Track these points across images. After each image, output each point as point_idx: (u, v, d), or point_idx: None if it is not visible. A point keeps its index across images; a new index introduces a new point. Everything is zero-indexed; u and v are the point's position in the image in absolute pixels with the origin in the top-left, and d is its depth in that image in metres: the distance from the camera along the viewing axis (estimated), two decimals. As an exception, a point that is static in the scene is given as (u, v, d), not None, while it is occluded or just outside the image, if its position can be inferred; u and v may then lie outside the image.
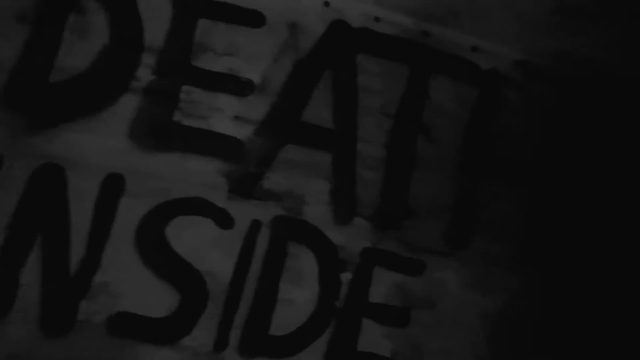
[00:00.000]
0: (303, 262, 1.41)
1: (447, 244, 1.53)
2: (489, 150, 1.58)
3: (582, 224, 1.74)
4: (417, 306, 1.51)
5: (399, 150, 1.48)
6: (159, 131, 1.31)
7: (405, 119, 1.50)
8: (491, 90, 1.58)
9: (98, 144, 1.27)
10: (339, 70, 1.45)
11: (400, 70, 1.50)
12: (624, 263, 1.78)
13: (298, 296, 1.40)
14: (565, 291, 1.73)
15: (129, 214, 1.28)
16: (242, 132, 1.37)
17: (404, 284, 1.50)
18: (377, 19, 1.47)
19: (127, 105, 1.29)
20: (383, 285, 1.46)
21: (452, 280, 1.56)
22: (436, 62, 1.54)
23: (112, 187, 1.24)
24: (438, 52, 1.47)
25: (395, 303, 1.48)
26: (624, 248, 1.79)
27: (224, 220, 1.33)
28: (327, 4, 1.43)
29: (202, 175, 1.34)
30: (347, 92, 1.45)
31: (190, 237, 1.32)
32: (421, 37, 1.52)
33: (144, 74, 1.30)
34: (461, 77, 1.49)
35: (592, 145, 1.73)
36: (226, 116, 1.37)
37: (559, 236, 1.70)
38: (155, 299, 1.29)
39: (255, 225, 1.36)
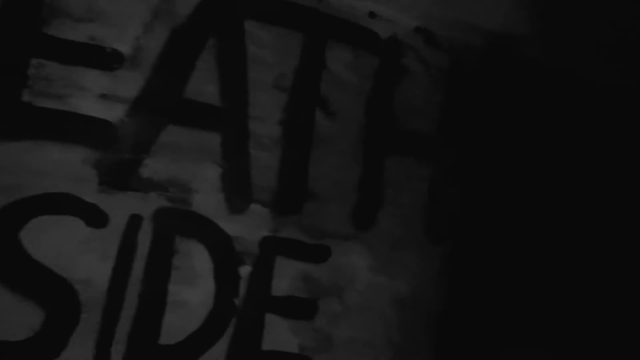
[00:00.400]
0: (194, 259, 1.19)
1: (352, 227, 1.36)
2: (393, 124, 1.40)
3: (491, 200, 1.63)
4: (324, 295, 1.33)
5: (296, 127, 1.28)
6: (4, 115, 1.02)
7: (302, 93, 1.30)
8: (392, 59, 1.42)
9: None
10: (225, 39, 1.22)
11: (293, 38, 1.29)
12: (534, 239, 1.69)
13: (191, 297, 1.18)
14: (477, 271, 1.61)
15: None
16: (111, 113, 1.12)
17: (308, 273, 1.32)
18: (265, -19, 1.26)
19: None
20: (286, 276, 1.28)
21: (360, 264, 1.39)
22: (332, 29, 1.35)
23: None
24: (334, 18, 1.28)
25: (301, 294, 1.30)
26: (533, 223, 1.70)
27: (95, 217, 1.08)
28: (206, -38, 1.19)
29: (63, 166, 1.08)
30: (234, 64, 1.23)
31: (53, 241, 1.06)
32: (315, 1, 1.31)
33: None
34: (360, 46, 1.32)
35: (498, 117, 1.61)
36: (90, 94, 1.11)
37: (467, 214, 1.58)
38: (12, 319, 1.02)
39: (135, 221, 1.12)
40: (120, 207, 1.16)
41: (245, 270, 1.28)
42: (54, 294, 1.10)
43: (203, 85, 1.24)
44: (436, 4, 1.53)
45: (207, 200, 1.23)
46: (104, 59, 1.15)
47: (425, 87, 1.53)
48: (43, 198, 1.09)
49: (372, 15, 1.43)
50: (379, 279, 1.46)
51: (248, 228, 1.28)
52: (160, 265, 1.18)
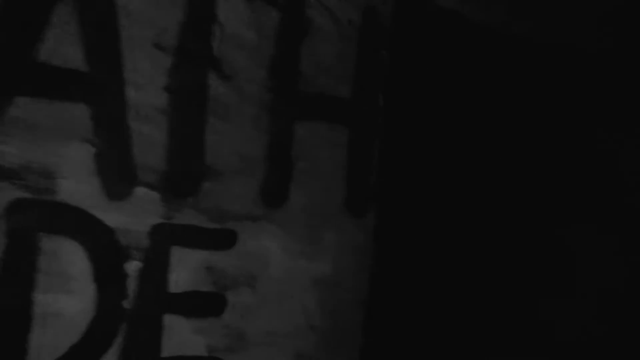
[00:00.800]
0: (66, 260, 0.94)
1: (261, 205, 1.15)
2: (302, 87, 1.27)
3: (416, 164, 1.45)
4: (233, 287, 1.13)
5: (185, 93, 1.05)
6: None
7: (190, 53, 1.06)
8: (295, 12, 1.18)
9: None
10: (85, -13, 0.96)
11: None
12: (455, 207, 1.53)
13: (66, 306, 0.95)
14: (405, 243, 1.44)
15: None
16: None
17: (212, 262, 1.11)
18: None
19: None
20: (186, 269, 1.07)
21: (273, 248, 1.19)
22: (223, -24, 1.10)
23: None
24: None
25: (205, 288, 1.09)
26: (457, 190, 1.54)
27: None
28: None
29: None
30: (102, 19, 0.96)
31: None
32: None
33: None
34: (257, -4, 1.08)
35: (418, 74, 1.43)
36: None
37: (391, 181, 1.40)
38: None
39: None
40: (-43, 203, 0.89)
41: (133, 267, 1.05)
42: None
43: (62, 46, 0.98)
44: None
45: (78, 187, 0.99)
46: None
47: (336, 44, 1.32)
48: None
49: (268, -41, 1.20)
50: (297, 261, 1.26)
51: (133, 216, 1.04)
52: (20, 272, 0.92)
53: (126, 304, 1.06)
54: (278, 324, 1.26)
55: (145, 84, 1.08)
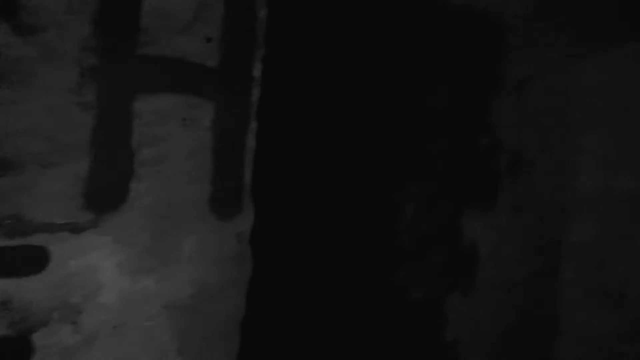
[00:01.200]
0: None
1: (85, 210, 0.80)
2: (142, 47, 0.94)
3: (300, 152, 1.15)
4: (43, 325, 0.75)
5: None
6: None
7: None
8: None
9: None
10: None
11: None
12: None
13: None
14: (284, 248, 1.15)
15: None
16: None
17: (9, 294, 0.72)
18: None
19: None
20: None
21: (105, 266, 0.85)
22: None
23: None
24: None
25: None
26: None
27: None
28: None
29: None
30: None
31: None
32: None
33: None
34: None
35: (300, 42, 1.12)
36: None
37: (268, 169, 1.09)
38: None
39: None
40: None
41: None
42: None
43: None
44: None
45: None
46: None
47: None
48: None
49: None
50: (140, 282, 0.92)
51: None
52: None
53: None
54: (115, 368, 0.91)
55: None
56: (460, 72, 1.42)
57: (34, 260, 0.84)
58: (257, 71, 1.10)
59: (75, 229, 0.88)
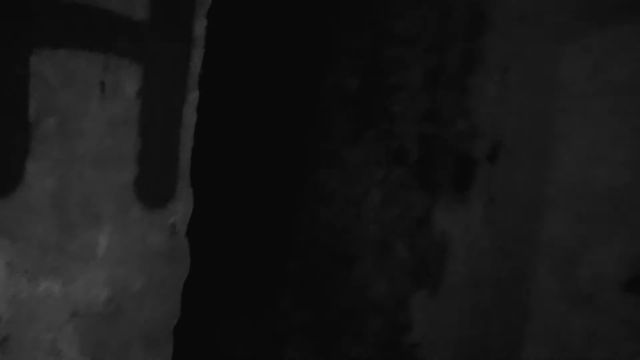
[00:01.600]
0: None
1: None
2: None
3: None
4: None
5: None
6: None
7: None
8: None
9: None
10: None
11: None
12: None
13: None
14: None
15: None
16: None
17: None
18: None
19: None
20: None
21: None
22: None
23: None
24: None
25: None
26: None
27: None
28: None
29: None
30: None
31: None
32: None
33: None
34: None
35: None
36: None
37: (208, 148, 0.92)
38: None
39: None
40: None
41: None
42: None
43: None
44: None
45: None
46: None
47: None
48: None
49: None
50: (38, 285, 0.71)
51: None
52: None
53: None
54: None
55: None
56: (437, 44, 1.24)
57: None
58: (199, 29, 0.88)
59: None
